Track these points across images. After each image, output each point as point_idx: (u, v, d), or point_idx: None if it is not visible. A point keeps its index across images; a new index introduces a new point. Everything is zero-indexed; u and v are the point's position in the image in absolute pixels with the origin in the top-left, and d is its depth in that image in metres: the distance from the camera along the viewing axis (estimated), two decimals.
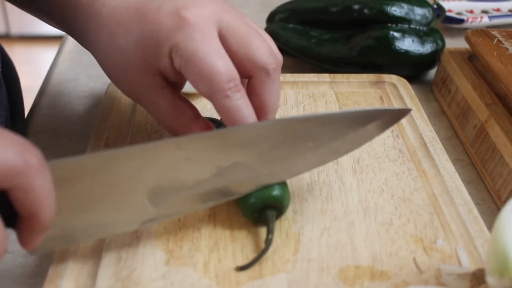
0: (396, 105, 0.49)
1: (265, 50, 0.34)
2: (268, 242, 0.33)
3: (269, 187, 0.34)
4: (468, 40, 0.50)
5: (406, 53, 0.55)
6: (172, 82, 0.35)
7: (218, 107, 0.33)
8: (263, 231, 0.35)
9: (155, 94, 0.35)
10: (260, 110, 0.35)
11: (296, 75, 0.52)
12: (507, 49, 0.47)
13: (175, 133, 0.36)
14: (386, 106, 0.48)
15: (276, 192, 0.34)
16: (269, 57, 0.34)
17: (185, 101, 0.36)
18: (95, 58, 0.38)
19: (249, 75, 0.35)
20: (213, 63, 0.32)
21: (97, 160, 0.29)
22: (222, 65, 0.32)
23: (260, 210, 0.34)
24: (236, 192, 0.34)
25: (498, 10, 0.73)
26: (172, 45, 0.32)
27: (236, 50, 0.34)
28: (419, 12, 0.56)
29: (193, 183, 0.32)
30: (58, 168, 0.28)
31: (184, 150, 0.31)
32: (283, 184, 0.35)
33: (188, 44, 0.32)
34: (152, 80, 0.34)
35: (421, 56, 0.55)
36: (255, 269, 0.32)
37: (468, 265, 0.33)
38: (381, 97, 0.50)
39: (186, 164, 0.31)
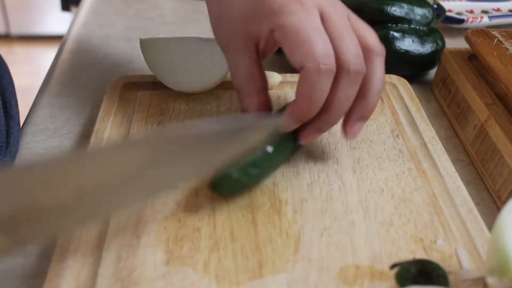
0: (396, 105, 0.49)
1: (353, 51, 0.35)
2: None
3: None
4: (468, 40, 0.50)
5: (406, 53, 0.55)
6: (261, 49, 0.38)
7: (302, 78, 0.34)
8: (263, 231, 0.35)
9: (238, 54, 0.38)
10: (326, 106, 0.36)
11: (296, 75, 0.52)
12: (507, 49, 0.47)
13: (241, 95, 0.39)
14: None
15: None
16: (355, 59, 0.35)
17: (260, 72, 0.39)
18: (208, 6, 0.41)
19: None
20: (313, 39, 0.34)
21: None
22: (322, 43, 0.34)
23: None
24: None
25: (498, 10, 0.73)
26: (278, 23, 0.35)
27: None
28: (419, 12, 0.56)
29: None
30: None
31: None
32: None
33: (291, 20, 0.34)
34: (242, 41, 0.38)
35: (421, 56, 0.55)
36: (255, 269, 0.32)
37: (468, 265, 0.33)
38: (381, 97, 0.50)
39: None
